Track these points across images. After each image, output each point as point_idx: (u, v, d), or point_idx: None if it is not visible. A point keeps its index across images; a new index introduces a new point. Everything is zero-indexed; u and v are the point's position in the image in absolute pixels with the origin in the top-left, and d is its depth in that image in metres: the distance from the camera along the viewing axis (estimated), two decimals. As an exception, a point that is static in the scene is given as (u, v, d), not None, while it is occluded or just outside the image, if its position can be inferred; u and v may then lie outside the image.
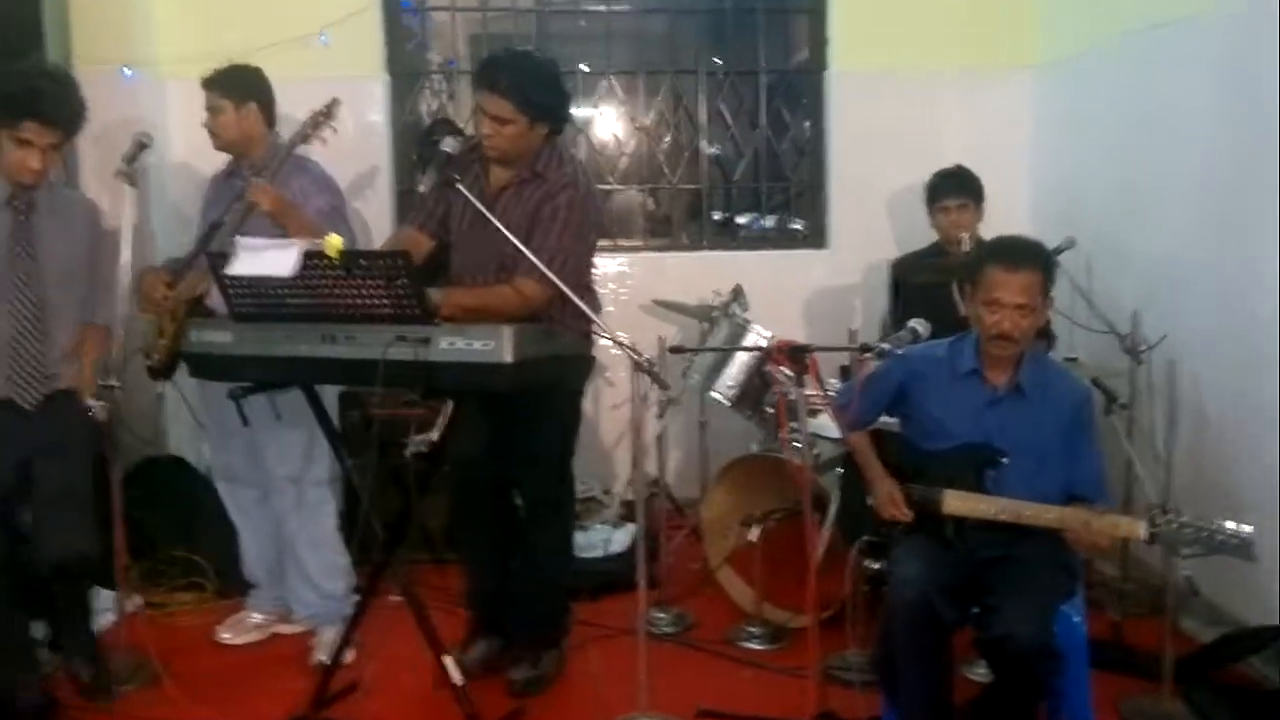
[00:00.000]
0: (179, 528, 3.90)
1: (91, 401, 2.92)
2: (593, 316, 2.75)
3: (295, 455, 3.30)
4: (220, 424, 3.34)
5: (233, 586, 3.67)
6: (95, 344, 3.01)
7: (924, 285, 3.77)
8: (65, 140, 2.80)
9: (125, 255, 3.11)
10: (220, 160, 3.49)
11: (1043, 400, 2.65)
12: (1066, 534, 2.49)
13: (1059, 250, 3.42)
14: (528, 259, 2.76)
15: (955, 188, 3.87)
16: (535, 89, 2.89)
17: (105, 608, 3.49)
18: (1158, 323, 3.39)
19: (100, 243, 3.05)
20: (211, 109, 3.33)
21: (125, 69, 4.21)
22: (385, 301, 2.53)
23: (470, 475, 3.16)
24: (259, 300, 2.65)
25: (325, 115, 3.19)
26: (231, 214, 3.18)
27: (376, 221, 4.61)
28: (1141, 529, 2.43)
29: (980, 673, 2.98)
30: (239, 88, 3.31)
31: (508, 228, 2.79)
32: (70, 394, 2.92)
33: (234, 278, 2.64)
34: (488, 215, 2.77)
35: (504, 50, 3.07)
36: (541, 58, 3.08)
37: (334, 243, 2.51)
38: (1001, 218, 3.90)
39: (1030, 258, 2.61)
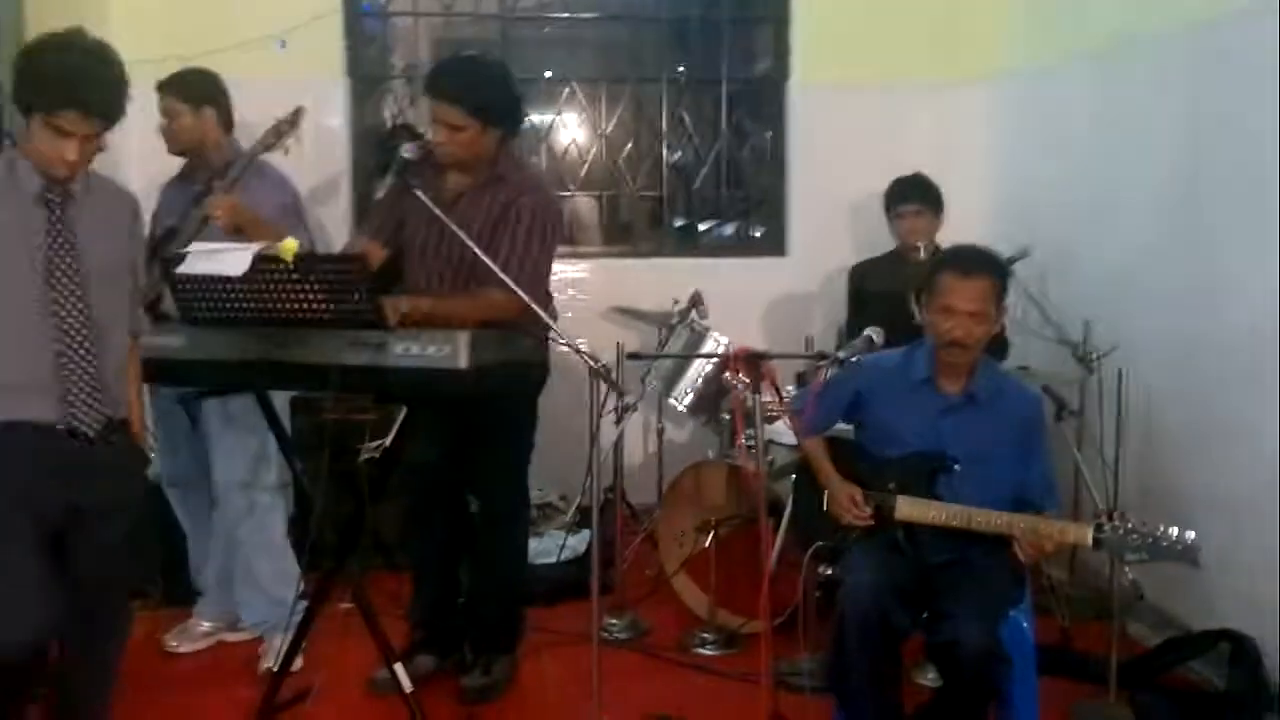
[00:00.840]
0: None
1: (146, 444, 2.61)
2: (549, 323, 2.75)
3: (245, 461, 3.26)
4: (169, 430, 3.31)
5: (179, 594, 3.62)
6: (138, 365, 2.58)
7: (881, 292, 3.81)
8: (106, 130, 2.36)
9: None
10: (174, 165, 3.45)
11: (995, 408, 2.68)
12: (1014, 541, 2.51)
13: (1014, 259, 3.47)
14: (504, 266, 2.75)
15: (912, 194, 3.91)
16: (485, 94, 2.89)
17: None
18: (1110, 332, 3.44)
19: (138, 240, 2.63)
20: (167, 113, 3.29)
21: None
22: (340, 306, 2.51)
23: (423, 481, 3.15)
24: (211, 303, 2.62)
25: (290, 124, 3.17)
26: (188, 221, 3.13)
27: (335, 226, 4.58)
28: (1088, 535, 2.46)
29: (930, 678, 3.01)
30: (196, 91, 3.28)
31: (467, 232, 2.78)
32: (126, 426, 2.45)
33: (186, 278, 2.61)
34: (445, 220, 2.76)
35: (452, 57, 3.06)
36: (490, 61, 3.08)
37: (289, 246, 2.49)
38: (959, 227, 3.94)
39: (983, 265, 2.64)
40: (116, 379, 2.41)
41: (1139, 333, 3.52)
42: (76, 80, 2.25)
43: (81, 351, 2.32)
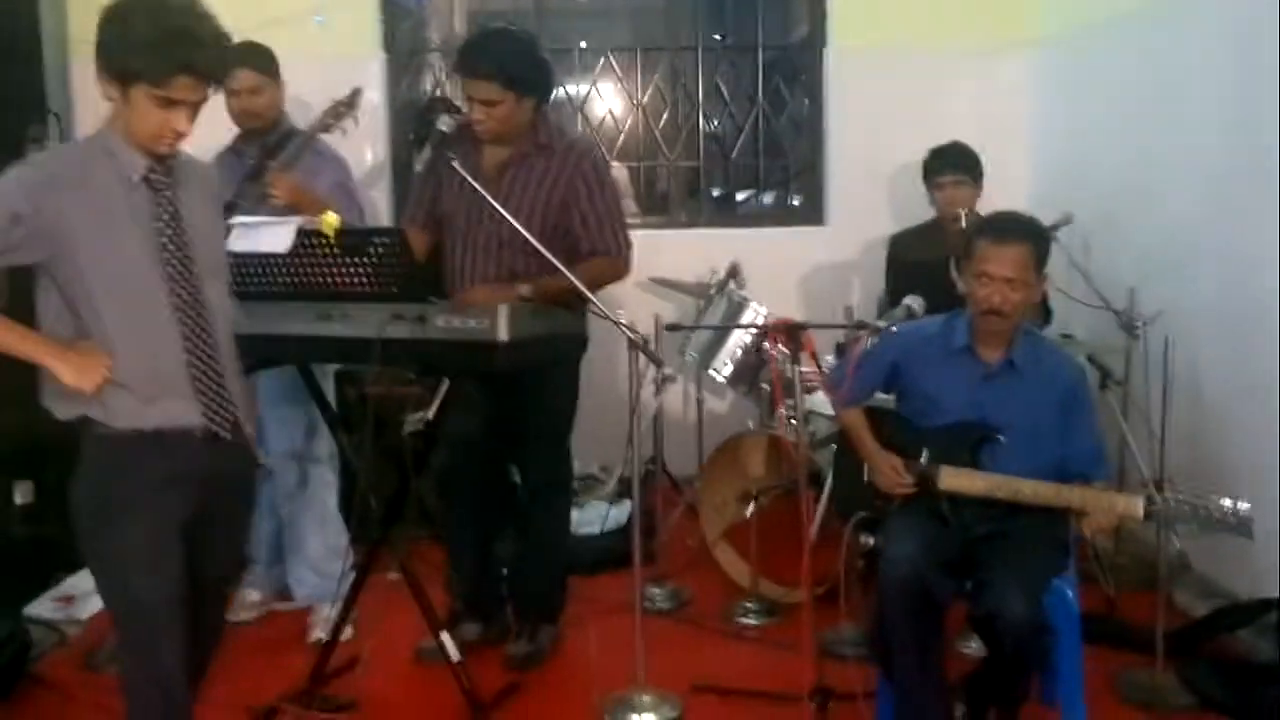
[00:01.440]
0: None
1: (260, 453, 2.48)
2: (587, 294, 2.76)
3: (298, 432, 3.30)
4: None
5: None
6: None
7: (920, 262, 3.77)
8: (213, 94, 2.12)
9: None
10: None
11: (1036, 376, 2.65)
12: (1078, 518, 2.49)
13: (1055, 227, 3.42)
14: (596, 236, 2.97)
15: (951, 163, 3.86)
16: (516, 65, 2.90)
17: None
18: (1155, 300, 3.39)
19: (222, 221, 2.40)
20: (252, 88, 3.23)
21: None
22: (382, 279, 2.53)
23: (462, 454, 3.17)
24: (254, 278, 2.65)
25: (348, 105, 3.15)
26: (246, 195, 3.14)
27: (376, 201, 4.61)
28: (1139, 507, 2.43)
29: (973, 647, 3.01)
30: (272, 63, 3.28)
31: (518, 203, 2.88)
32: (242, 429, 2.23)
33: (230, 255, 2.64)
34: (489, 199, 2.78)
35: (478, 32, 3.07)
36: (516, 31, 3.09)
37: (330, 220, 2.52)
38: (1001, 195, 3.89)
39: (1019, 231, 2.60)
40: (235, 374, 2.22)
41: (1184, 299, 3.47)
42: (183, 41, 1.96)
43: (205, 347, 2.13)
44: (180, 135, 2.05)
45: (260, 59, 3.25)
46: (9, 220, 1.96)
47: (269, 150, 3.20)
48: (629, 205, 5.12)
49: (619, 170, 5.10)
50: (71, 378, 2.02)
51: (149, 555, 2.10)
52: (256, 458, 2.37)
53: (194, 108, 2.04)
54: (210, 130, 3.33)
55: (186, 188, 2.15)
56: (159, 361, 2.09)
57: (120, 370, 2.04)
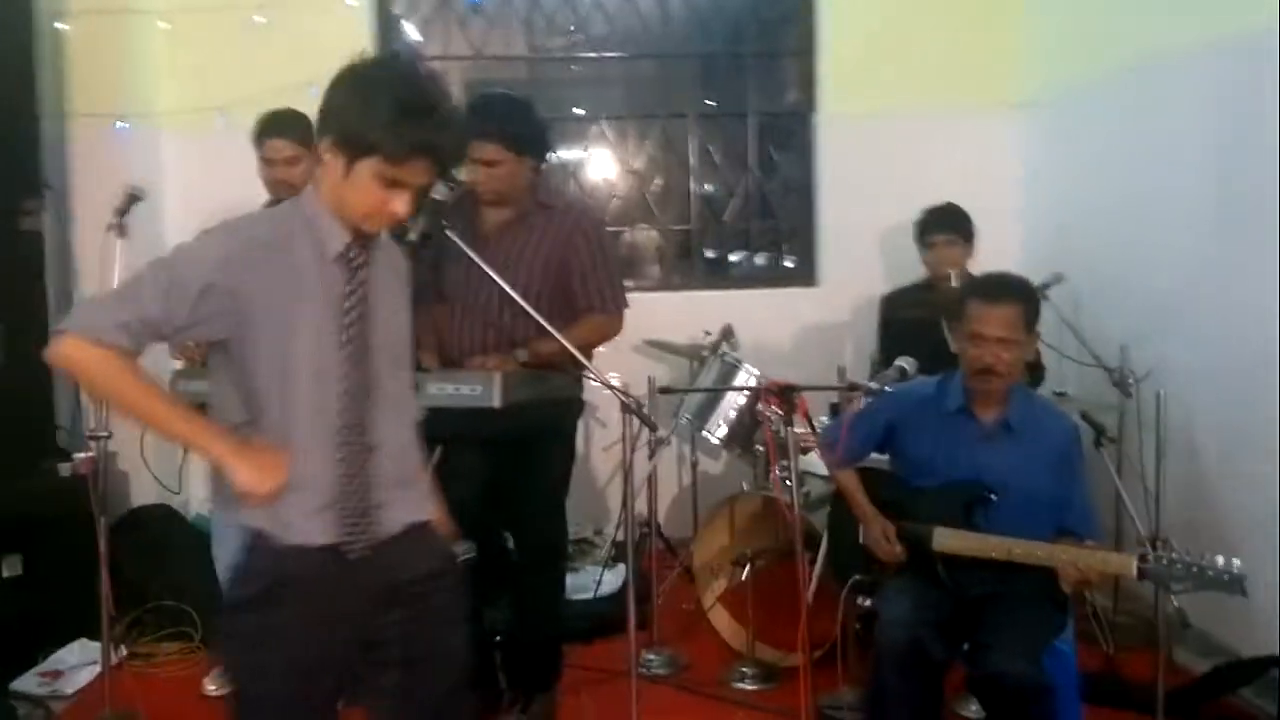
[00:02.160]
0: (165, 577, 3.88)
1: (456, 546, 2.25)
2: (581, 359, 2.76)
3: None
4: None
5: (217, 636, 3.63)
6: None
7: (913, 320, 3.80)
8: None
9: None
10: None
11: (1031, 436, 2.66)
12: (1059, 570, 2.48)
13: (1046, 285, 3.46)
14: (593, 294, 2.99)
15: (944, 223, 3.90)
16: (515, 125, 2.96)
17: (89, 660, 3.47)
18: (1148, 357, 3.41)
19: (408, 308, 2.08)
20: (288, 159, 3.22)
21: (119, 121, 4.26)
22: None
23: (459, 520, 3.15)
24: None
25: None
26: None
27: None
28: (1132, 566, 2.42)
29: (972, 710, 2.97)
30: (311, 135, 3.25)
31: (519, 261, 2.93)
32: (427, 530, 2.03)
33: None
34: (482, 265, 2.79)
35: (479, 95, 3.13)
36: (514, 94, 3.16)
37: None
38: (992, 255, 3.92)
39: (1010, 291, 2.63)
40: (407, 475, 1.97)
41: (1177, 356, 3.48)
42: (427, 122, 1.80)
43: (361, 447, 1.87)
44: (395, 218, 1.88)
45: (298, 129, 3.23)
46: (199, 291, 1.77)
47: None
48: (654, 271, 5.16)
49: (648, 234, 5.15)
50: (248, 478, 1.78)
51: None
52: (440, 556, 2.05)
53: (416, 192, 1.87)
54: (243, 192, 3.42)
55: (378, 268, 1.93)
56: (330, 463, 1.84)
57: (294, 471, 1.81)
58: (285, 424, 1.82)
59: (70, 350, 1.75)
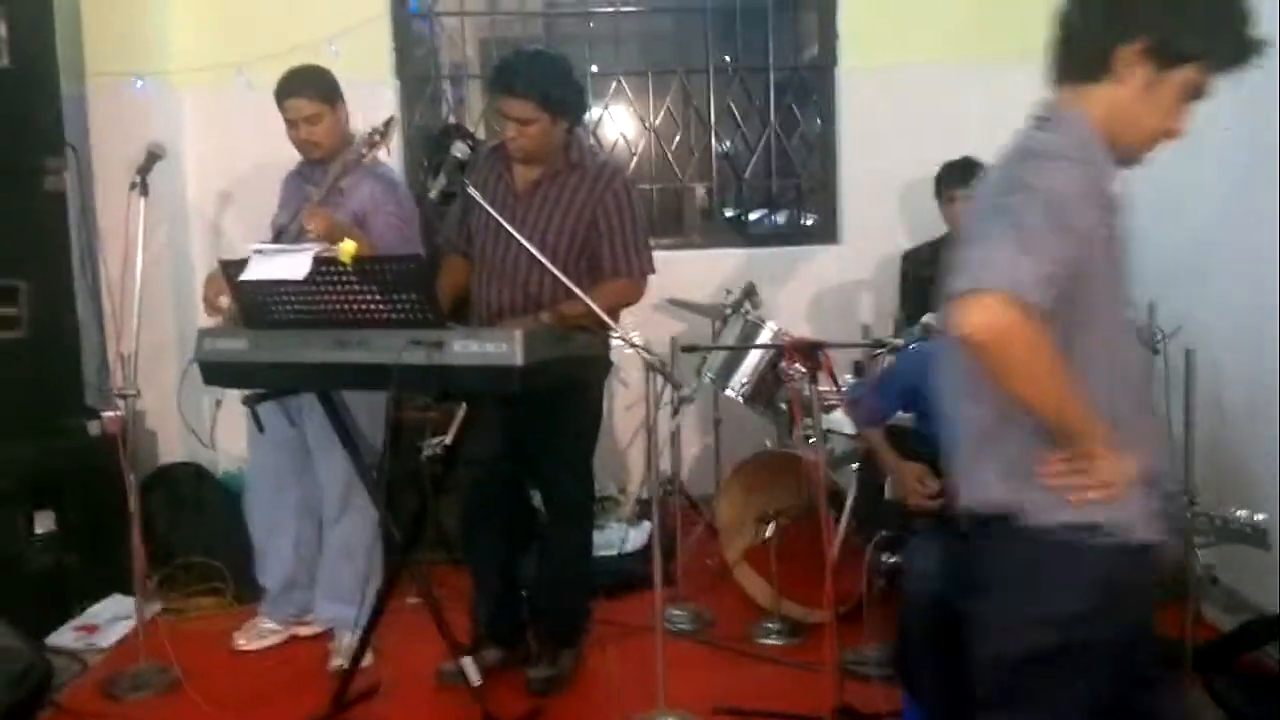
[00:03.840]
0: (195, 533, 3.94)
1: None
2: (604, 318, 2.76)
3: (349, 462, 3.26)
4: (271, 427, 3.20)
5: (250, 592, 3.68)
6: None
7: (934, 278, 3.76)
8: None
9: (138, 265, 3.15)
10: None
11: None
12: None
13: (1071, 241, 3.41)
14: (618, 258, 3.02)
15: (962, 177, 3.86)
16: (553, 86, 2.93)
17: (124, 614, 3.53)
18: (1175, 314, 3.37)
19: None
20: (309, 117, 3.20)
21: (137, 79, 4.25)
22: (399, 306, 2.55)
23: (483, 478, 3.17)
24: (274, 307, 2.67)
25: (382, 134, 3.07)
26: (295, 222, 3.12)
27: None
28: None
29: (999, 665, 2.97)
30: (332, 90, 3.24)
31: (549, 219, 2.95)
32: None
33: (248, 283, 2.67)
34: (500, 221, 2.80)
35: (515, 52, 3.10)
36: (554, 54, 3.13)
37: (347, 248, 2.54)
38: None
39: None
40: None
41: (1206, 310, 3.44)
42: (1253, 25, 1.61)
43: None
44: (1171, 139, 1.67)
45: (315, 86, 3.20)
46: (1083, 232, 1.47)
47: (338, 175, 3.11)
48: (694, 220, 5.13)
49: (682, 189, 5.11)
50: (1116, 472, 1.53)
51: None
52: None
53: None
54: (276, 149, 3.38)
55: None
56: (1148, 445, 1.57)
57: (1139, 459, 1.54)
58: (1114, 403, 1.54)
59: (995, 318, 1.40)
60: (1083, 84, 1.63)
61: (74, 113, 4.05)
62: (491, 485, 3.20)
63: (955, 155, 3.96)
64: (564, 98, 2.96)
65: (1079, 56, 1.64)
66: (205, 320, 3.31)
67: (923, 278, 3.94)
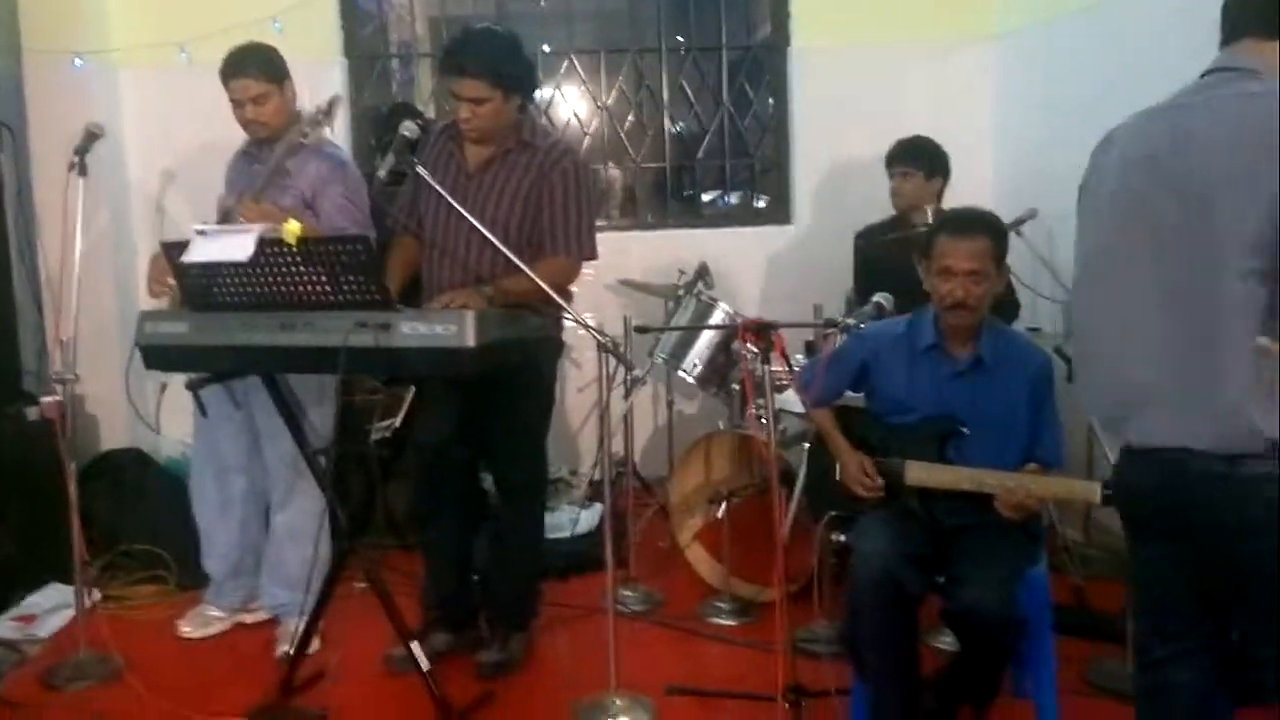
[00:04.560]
0: (138, 520, 3.86)
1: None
2: (556, 298, 2.74)
3: (293, 444, 3.20)
4: (218, 412, 3.16)
5: (193, 579, 3.61)
6: None
7: (884, 257, 3.79)
8: None
9: (76, 247, 3.08)
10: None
11: (1004, 371, 2.67)
12: (998, 496, 2.50)
13: (1020, 221, 3.45)
14: (558, 237, 2.98)
15: (901, 155, 3.90)
16: (504, 64, 2.90)
17: (64, 603, 3.46)
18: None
19: None
20: (255, 98, 3.12)
21: (76, 58, 4.15)
22: (345, 287, 2.51)
23: (434, 461, 3.15)
24: (218, 289, 2.62)
25: (326, 114, 3.02)
26: (240, 206, 3.05)
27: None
28: (1097, 492, 2.45)
29: (947, 642, 3.01)
30: (279, 69, 3.16)
31: (499, 198, 2.92)
32: None
33: (190, 265, 2.61)
34: (451, 202, 2.76)
35: (464, 31, 3.06)
36: (503, 31, 3.08)
37: (292, 229, 2.49)
38: (966, 190, 3.91)
39: (978, 224, 2.63)
40: None
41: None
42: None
43: None
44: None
45: (261, 65, 3.13)
46: None
47: (284, 154, 3.07)
48: (614, 203, 5.09)
49: (606, 172, 5.08)
50: None
51: None
52: None
53: None
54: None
55: None
56: None
57: None
58: None
59: None
60: (1267, 39, 1.81)
61: (9, 92, 3.96)
62: (443, 468, 3.17)
63: (906, 135, 3.98)
64: (515, 74, 2.93)
65: (1263, 12, 1.81)
66: (148, 303, 3.24)
67: (874, 257, 3.95)
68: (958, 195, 3.80)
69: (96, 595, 3.54)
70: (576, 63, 4.95)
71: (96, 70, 4.25)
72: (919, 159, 3.87)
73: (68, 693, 3.05)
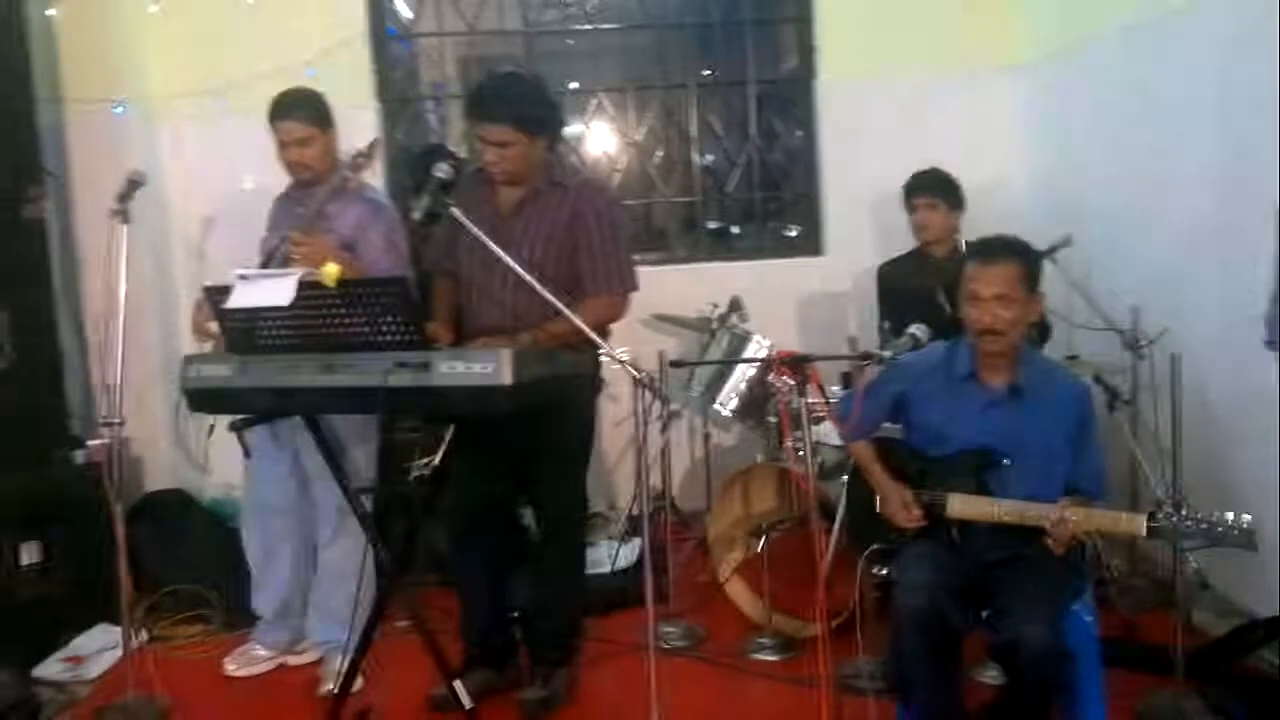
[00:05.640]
0: (182, 561, 3.90)
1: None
2: (595, 338, 2.75)
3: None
4: (265, 454, 3.22)
5: (238, 619, 3.65)
6: None
7: (907, 289, 3.80)
8: None
9: (121, 292, 3.13)
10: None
11: (1042, 400, 2.65)
12: (1048, 531, 2.48)
13: (1055, 248, 3.44)
14: (599, 275, 3.00)
15: (922, 187, 3.90)
16: (527, 107, 2.94)
17: (110, 644, 3.49)
18: (1160, 316, 3.38)
19: None
20: (300, 140, 3.20)
21: (116, 105, 4.23)
22: (384, 328, 2.54)
23: (472, 499, 3.15)
24: (260, 332, 2.66)
25: (366, 156, 3.09)
26: (285, 244, 3.11)
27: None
28: (1143, 524, 2.42)
29: (991, 675, 2.98)
30: (324, 114, 3.24)
31: (534, 236, 2.95)
32: None
33: (232, 310, 2.65)
34: (492, 246, 2.77)
35: (488, 76, 3.11)
36: (523, 74, 3.13)
37: (331, 272, 2.53)
38: (997, 219, 3.88)
39: (1004, 250, 2.62)
40: None
41: (1189, 314, 3.46)
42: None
43: None
44: None
45: (308, 110, 3.21)
46: None
47: (325, 199, 3.12)
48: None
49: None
50: None
51: None
52: None
53: None
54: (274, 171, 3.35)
55: None
56: None
57: None
58: None
59: None
60: None
61: (52, 140, 4.04)
62: (480, 505, 3.18)
63: (934, 164, 3.98)
64: (539, 117, 2.96)
65: None
66: (190, 346, 3.29)
67: (899, 290, 3.95)
68: (987, 225, 3.77)
69: (143, 636, 3.57)
70: (605, 99, 5.00)
71: (136, 117, 4.34)
72: (942, 189, 3.87)
73: (113, 734, 3.07)
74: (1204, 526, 2.36)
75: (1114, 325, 3.40)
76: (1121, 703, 2.84)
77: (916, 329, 2.85)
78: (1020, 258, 2.62)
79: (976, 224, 3.85)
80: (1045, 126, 4.65)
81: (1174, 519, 2.38)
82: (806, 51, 4.92)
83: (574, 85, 4.99)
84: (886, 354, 2.78)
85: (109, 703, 3.18)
